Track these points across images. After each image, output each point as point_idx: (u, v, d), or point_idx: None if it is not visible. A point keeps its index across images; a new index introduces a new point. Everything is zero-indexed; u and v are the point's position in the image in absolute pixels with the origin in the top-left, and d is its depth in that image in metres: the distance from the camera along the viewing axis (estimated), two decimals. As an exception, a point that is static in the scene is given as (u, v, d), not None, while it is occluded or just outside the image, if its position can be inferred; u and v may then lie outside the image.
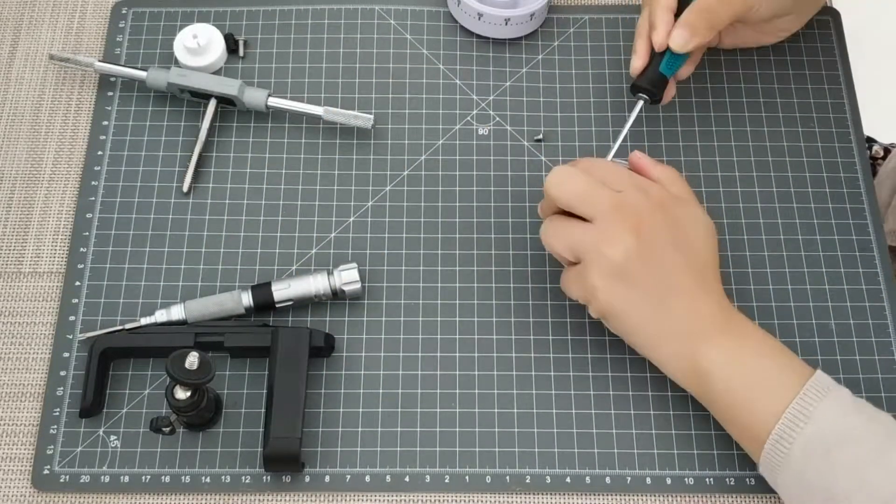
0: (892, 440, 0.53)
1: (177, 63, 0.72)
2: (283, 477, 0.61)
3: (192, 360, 0.55)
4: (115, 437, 0.61)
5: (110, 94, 0.72)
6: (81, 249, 0.67)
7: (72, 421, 0.62)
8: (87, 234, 0.67)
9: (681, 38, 0.62)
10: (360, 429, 0.62)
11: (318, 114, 0.70)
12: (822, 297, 0.66)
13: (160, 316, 0.63)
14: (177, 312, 0.63)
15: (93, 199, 0.69)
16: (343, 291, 0.64)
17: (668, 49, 0.63)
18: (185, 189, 0.68)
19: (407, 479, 0.61)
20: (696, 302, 0.57)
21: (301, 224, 0.68)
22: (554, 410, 0.62)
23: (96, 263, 0.66)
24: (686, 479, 0.61)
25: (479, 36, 0.74)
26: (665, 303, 0.56)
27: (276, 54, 0.74)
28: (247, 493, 0.60)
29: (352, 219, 0.68)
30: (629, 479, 0.61)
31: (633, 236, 0.56)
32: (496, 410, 0.62)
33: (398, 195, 0.69)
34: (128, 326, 0.64)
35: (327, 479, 0.61)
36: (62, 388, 0.63)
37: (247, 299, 0.63)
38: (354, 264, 0.64)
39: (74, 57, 0.71)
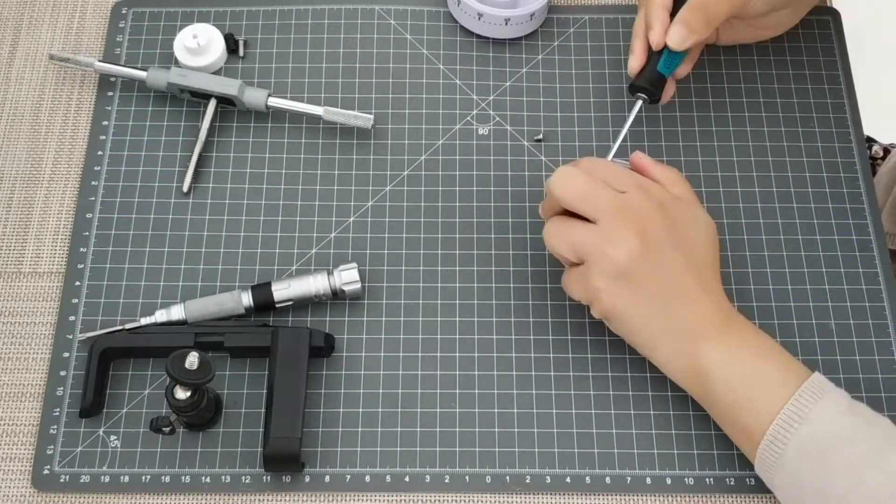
0: (889, 443, 0.52)
1: (177, 63, 0.72)
2: (283, 477, 0.61)
3: (192, 360, 0.55)
4: (115, 437, 0.61)
5: (110, 94, 0.72)
6: (81, 249, 0.67)
7: (72, 421, 0.62)
8: (87, 234, 0.67)
9: (678, 36, 0.62)
10: (360, 429, 0.62)
11: (318, 114, 0.70)
12: (822, 297, 0.66)
13: (160, 316, 0.63)
14: (177, 312, 0.63)
15: (93, 199, 0.69)
16: (343, 291, 0.64)
17: (665, 48, 0.63)
18: (185, 189, 0.68)
19: (407, 479, 0.61)
20: (696, 302, 0.57)
21: (301, 224, 0.68)
22: (554, 410, 0.62)
23: (96, 263, 0.66)
24: (686, 479, 0.61)
25: (479, 36, 0.74)
26: (667, 303, 0.57)
27: (276, 54, 0.74)
28: (247, 493, 0.60)
29: (352, 219, 0.68)
30: (629, 479, 0.61)
31: (636, 238, 0.56)
32: (496, 410, 0.62)
33: (398, 195, 0.69)
34: (128, 326, 0.64)
35: (327, 479, 0.61)
36: (62, 388, 0.63)
37: (247, 299, 0.63)
38: (354, 264, 0.64)
39: (74, 57, 0.71)
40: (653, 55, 0.64)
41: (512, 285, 0.66)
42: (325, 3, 0.76)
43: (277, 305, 0.64)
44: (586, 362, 0.64)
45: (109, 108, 0.72)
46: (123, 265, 0.66)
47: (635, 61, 0.64)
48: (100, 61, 0.71)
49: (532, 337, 0.65)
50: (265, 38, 0.74)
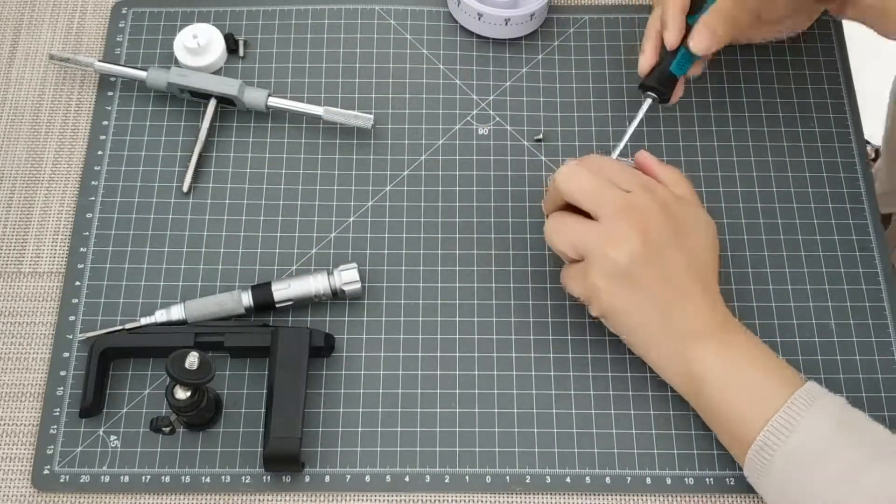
0: (875, 457, 0.52)
1: (177, 63, 0.72)
2: (283, 477, 0.61)
3: (192, 360, 0.55)
4: (115, 437, 0.61)
5: (110, 94, 0.72)
6: (81, 249, 0.67)
7: (72, 421, 0.62)
8: (87, 234, 0.67)
9: (704, 42, 0.61)
10: (360, 429, 0.62)
11: (318, 114, 0.70)
12: (822, 297, 0.66)
13: (160, 316, 0.63)
14: (177, 312, 0.63)
15: (93, 199, 0.69)
16: (343, 291, 0.64)
17: (679, 49, 0.63)
18: (185, 189, 0.68)
19: (407, 479, 0.61)
20: (695, 304, 0.57)
21: (301, 224, 0.68)
22: (554, 410, 0.62)
23: (96, 263, 0.66)
24: (686, 479, 0.61)
25: (479, 36, 0.74)
26: (666, 304, 0.57)
27: (276, 54, 0.74)
28: (247, 493, 0.60)
29: (352, 219, 0.68)
30: (629, 479, 0.61)
31: (638, 238, 0.56)
32: (496, 410, 0.62)
33: (398, 195, 0.69)
34: (128, 326, 0.64)
35: (327, 479, 0.61)
36: (62, 388, 0.63)
37: (247, 299, 0.63)
38: (354, 264, 0.64)
39: (74, 57, 0.71)
40: (665, 55, 0.63)
41: (512, 285, 0.66)
42: (325, 3, 0.76)
43: (277, 305, 0.64)
44: (586, 362, 0.64)
45: (109, 108, 0.72)
46: (123, 265, 0.66)
47: (646, 61, 0.64)
48: (100, 61, 0.71)
49: (532, 337, 0.65)
50: (265, 38, 0.74)
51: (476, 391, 0.63)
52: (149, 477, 0.60)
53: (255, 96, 0.69)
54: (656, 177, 0.59)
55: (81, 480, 0.60)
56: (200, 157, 0.69)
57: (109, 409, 0.62)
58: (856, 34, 0.72)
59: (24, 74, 0.74)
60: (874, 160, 1.15)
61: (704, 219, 0.59)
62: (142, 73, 0.70)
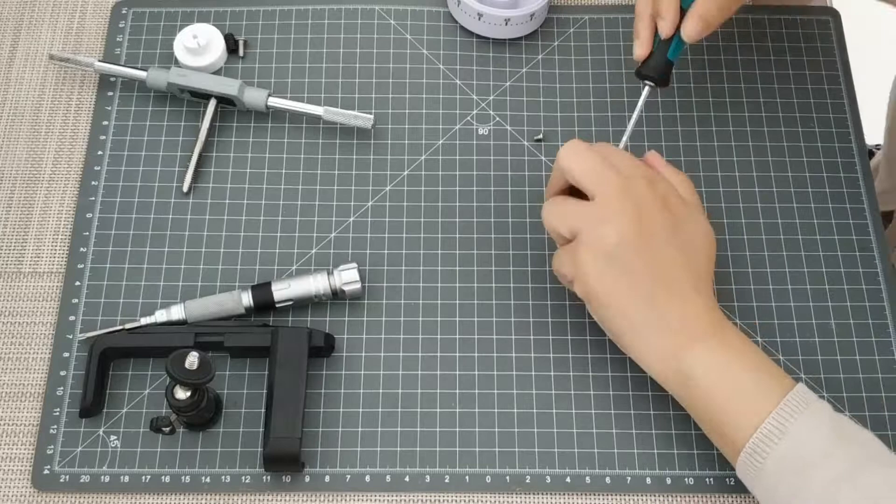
0: (866, 462, 0.52)
1: (177, 63, 0.72)
2: (283, 477, 0.61)
3: (192, 360, 0.55)
4: (115, 437, 0.61)
5: (110, 94, 0.72)
6: (81, 249, 0.67)
7: (72, 421, 0.62)
8: (87, 234, 0.67)
9: (696, 30, 0.61)
10: (360, 429, 0.62)
11: (318, 114, 0.70)
12: (822, 297, 0.66)
13: (160, 316, 0.63)
14: (177, 312, 0.63)
15: (93, 199, 0.69)
16: (343, 291, 0.64)
17: (675, 36, 0.62)
18: (185, 189, 0.68)
19: (407, 479, 0.61)
20: (688, 302, 0.57)
21: (301, 224, 0.68)
22: (554, 410, 0.62)
23: (96, 263, 0.66)
24: (686, 479, 0.61)
25: (479, 36, 0.74)
26: (654, 296, 0.56)
27: (276, 54, 0.74)
28: (247, 493, 0.60)
29: (352, 219, 0.68)
30: (629, 479, 0.61)
31: (631, 222, 0.55)
32: (496, 410, 0.62)
33: (398, 195, 0.69)
34: (128, 326, 0.64)
35: (327, 479, 0.61)
36: (62, 388, 0.63)
37: (247, 299, 0.63)
38: (354, 264, 0.64)
39: (74, 57, 0.71)
40: (660, 42, 0.63)
41: (512, 285, 0.66)
42: (325, 3, 0.76)
43: (277, 305, 0.64)
44: (586, 362, 0.64)
45: (109, 108, 0.72)
46: (123, 265, 0.66)
47: (642, 48, 0.63)
48: (100, 61, 0.71)
49: (532, 337, 0.65)
50: (265, 38, 0.74)
51: (476, 391, 0.63)
52: (149, 477, 0.60)
53: (255, 96, 0.69)
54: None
55: (81, 480, 0.60)
56: (200, 157, 0.69)
57: (109, 409, 0.62)
58: (856, 34, 0.72)
59: (24, 74, 0.74)
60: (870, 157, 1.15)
61: (704, 226, 0.59)
62: (142, 73, 0.70)
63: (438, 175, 0.70)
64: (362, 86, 0.73)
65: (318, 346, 0.62)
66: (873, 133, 1.07)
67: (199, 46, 0.71)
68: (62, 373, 0.63)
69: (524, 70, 0.73)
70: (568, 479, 0.61)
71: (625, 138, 0.63)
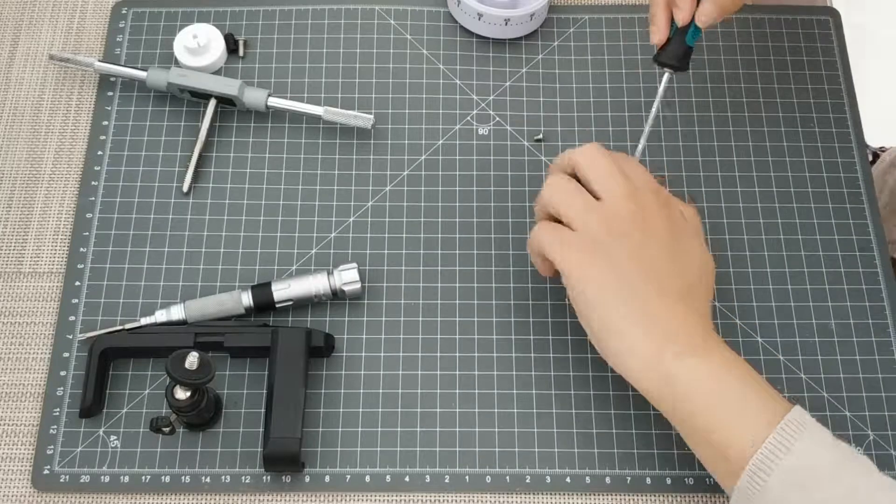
0: (870, 480, 0.51)
1: (177, 63, 0.72)
2: (283, 477, 0.61)
3: (192, 360, 0.55)
4: (115, 437, 0.61)
5: (110, 94, 0.72)
6: (81, 249, 0.67)
7: (72, 421, 0.62)
8: (87, 234, 0.67)
9: (710, 16, 0.60)
10: (360, 429, 0.62)
11: (318, 114, 0.70)
12: (822, 297, 0.66)
13: (160, 316, 0.63)
14: (177, 312, 0.63)
15: (93, 199, 0.69)
16: (343, 291, 0.64)
17: (692, 22, 0.62)
18: (185, 189, 0.68)
19: (407, 479, 0.61)
20: (679, 311, 0.55)
21: (301, 224, 0.68)
22: (554, 410, 0.62)
23: (96, 263, 0.66)
24: (686, 479, 0.61)
25: (479, 36, 0.74)
26: (641, 295, 0.55)
27: (276, 54, 0.74)
28: (247, 493, 0.60)
29: (352, 219, 0.68)
30: (629, 479, 0.61)
31: (632, 222, 0.56)
32: (496, 410, 0.62)
33: (398, 195, 0.69)
34: (128, 326, 0.64)
35: (327, 479, 0.61)
36: (62, 388, 0.63)
37: (247, 299, 0.63)
38: (354, 264, 0.64)
39: (74, 57, 0.71)
40: (677, 29, 0.63)
41: (512, 285, 0.66)
42: (325, 3, 0.76)
43: (277, 305, 0.64)
44: (586, 362, 0.64)
45: (109, 108, 0.72)
46: (123, 265, 0.66)
47: (659, 34, 0.62)
48: (100, 61, 0.71)
49: (532, 337, 0.65)
50: (265, 38, 0.74)
51: (476, 391, 0.63)
52: (149, 477, 0.61)
53: (255, 96, 0.70)
54: None
55: (81, 480, 0.60)
56: (200, 157, 0.69)
57: (109, 410, 0.62)
58: (856, 34, 0.72)
59: (24, 74, 0.74)
60: (872, 163, 1.14)
61: (704, 254, 0.58)
62: (142, 73, 0.70)
63: (438, 175, 0.70)
64: (362, 86, 0.73)
65: (318, 346, 0.62)
66: (873, 133, 1.07)
67: (199, 46, 0.71)
68: (62, 373, 0.63)
69: (524, 70, 0.73)
70: (568, 479, 0.61)
71: (647, 127, 0.63)
